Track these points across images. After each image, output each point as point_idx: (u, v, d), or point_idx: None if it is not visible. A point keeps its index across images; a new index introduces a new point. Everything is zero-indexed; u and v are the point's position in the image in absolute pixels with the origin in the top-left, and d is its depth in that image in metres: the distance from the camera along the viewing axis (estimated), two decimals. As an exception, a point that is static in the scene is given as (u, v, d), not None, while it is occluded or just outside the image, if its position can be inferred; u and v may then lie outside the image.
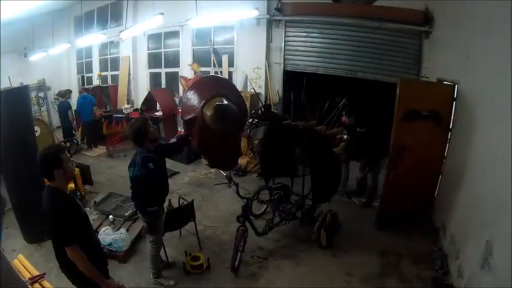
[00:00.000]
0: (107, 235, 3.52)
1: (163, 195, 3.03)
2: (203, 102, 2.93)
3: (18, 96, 3.74)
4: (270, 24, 6.62)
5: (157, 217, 2.98)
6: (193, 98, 3.05)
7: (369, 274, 3.31)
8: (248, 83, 6.95)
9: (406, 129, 3.71)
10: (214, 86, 3.20)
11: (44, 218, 2.06)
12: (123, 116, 7.47)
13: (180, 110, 5.94)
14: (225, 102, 2.82)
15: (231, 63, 7.29)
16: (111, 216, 4.00)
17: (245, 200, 3.48)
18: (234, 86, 3.59)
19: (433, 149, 3.93)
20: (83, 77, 10.72)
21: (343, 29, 6.10)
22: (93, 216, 4.29)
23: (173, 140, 3.27)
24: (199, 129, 2.95)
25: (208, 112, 2.85)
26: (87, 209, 4.46)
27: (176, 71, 8.20)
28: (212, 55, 7.36)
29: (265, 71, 6.77)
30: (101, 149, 7.56)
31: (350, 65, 6.19)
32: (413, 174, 3.79)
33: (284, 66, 6.72)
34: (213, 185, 5.15)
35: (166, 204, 3.28)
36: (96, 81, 9.71)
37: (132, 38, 8.32)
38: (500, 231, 2.34)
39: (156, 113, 7.69)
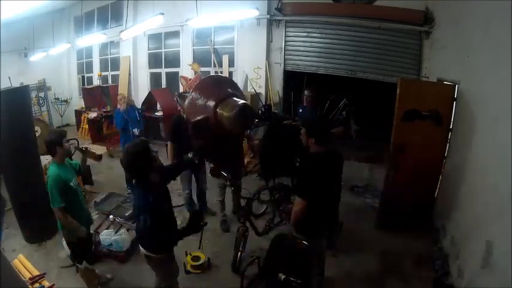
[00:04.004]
0: (107, 236, 3.52)
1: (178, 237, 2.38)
2: (214, 102, 2.91)
3: (19, 96, 3.74)
4: (270, 24, 6.62)
5: (172, 260, 2.52)
6: (201, 99, 3.03)
7: (369, 274, 3.32)
8: (248, 83, 6.96)
9: (406, 129, 3.71)
10: (221, 86, 3.18)
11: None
12: (123, 116, 7.46)
13: (180, 110, 5.92)
14: (242, 101, 2.80)
15: (231, 63, 7.28)
16: (111, 216, 4.00)
17: (245, 200, 3.48)
18: (237, 85, 3.59)
19: (433, 149, 3.92)
20: (83, 77, 10.72)
21: (343, 29, 6.10)
22: (93, 216, 4.28)
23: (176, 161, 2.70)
24: (210, 130, 2.92)
25: (226, 112, 2.82)
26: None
27: (176, 71, 8.20)
28: (212, 55, 7.36)
29: (266, 71, 6.77)
30: (101, 149, 7.56)
31: (350, 65, 6.20)
32: (414, 174, 3.79)
33: (284, 66, 6.73)
34: (213, 185, 5.14)
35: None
36: (96, 81, 9.71)
37: (132, 38, 8.31)
38: (500, 231, 2.34)
39: (156, 113, 7.70)
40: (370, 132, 5.75)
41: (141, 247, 2.38)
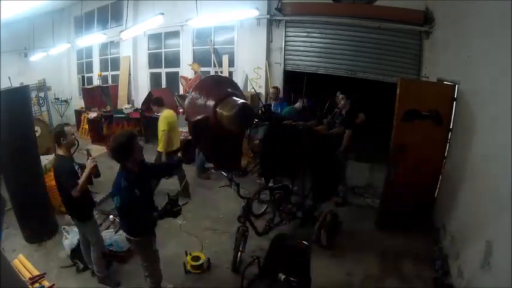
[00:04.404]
0: (107, 236, 3.52)
1: (153, 223, 2.67)
2: (214, 102, 2.91)
3: (19, 96, 3.74)
4: (270, 24, 6.63)
5: (150, 244, 2.73)
6: (200, 99, 3.03)
7: (369, 274, 3.32)
8: (248, 82, 6.96)
9: (406, 129, 3.71)
10: (220, 86, 3.18)
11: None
12: (124, 116, 7.48)
13: (180, 110, 5.94)
14: (242, 101, 2.81)
15: (231, 63, 7.29)
16: (111, 216, 4.01)
17: (245, 200, 3.48)
18: (237, 85, 3.58)
19: (433, 149, 3.93)
20: (83, 77, 10.73)
21: (343, 29, 6.11)
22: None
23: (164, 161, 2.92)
24: (210, 129, 2.92)
25: (226, 112, 2.82)
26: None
27: (176, 71, 8.20)
28: (212, 55, 7.36)
29: (266, 71, 6.77)
30: (101, 149, 7.56)
31: (350, 65, 6.20)
32: (414, 174, 3.79)
33: (284, 66, 6.74)
34: (213, 185, 5.15)
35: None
36: (96, 81, 9.72)
37: (132, 38, 8.32)
38: (500, 231, 2.34)
39: (156, 113, 7.70)
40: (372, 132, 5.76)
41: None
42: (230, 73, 7.29)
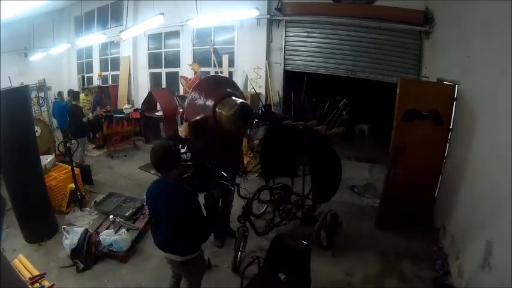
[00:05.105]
0: (107, 236, 3.52)
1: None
2: (213, 102, 2.91)
3: (19, 96, 3.74)
4: (270, 24, 6.63)
5: (203, 255, 2.52)
6: (200, 99, 3.03)
7: (369, 274, 3.31)
8: (248, 82, 6.96)
9: (406, 129, 3.71)
10: (220, 86, 3.18)
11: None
12: (124, 116, 7.48)
13: (180, 110, 5.94)
14: (240, 101, 2.81)
15: (231, 63, 7.29)
16: (111, 216, 4.01)
17: (245, 200, 3.47)
18: (236, 85, 3.59)
19: (433, 149, 3.93)
20: (83, 77, 10.74)
21: (343, 29, 6.12)
22: (93, 216, 4.29)
23: None
24: (209, 129, 2.92)
25: (225, 112, 2.82)
26: (87, 209, 4.48)
27: (176, 71, 8.21)
28: (212, 55, 7.37)
29: (266, 71, 6.77)
30: (101, 149, 7.56)
31: (350, 65, 6.21)
32: (414, 174, 3.79)
33: (284, 66, 6.74)
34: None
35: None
36: (96, 81, 9.72)
37: (132, 38, 8.33)
38: (500, 231, 2.34)
39: (156, 113, 7.70)
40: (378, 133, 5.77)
41: (173, 255, 2.29)
42: (230, 73, 7.29)
